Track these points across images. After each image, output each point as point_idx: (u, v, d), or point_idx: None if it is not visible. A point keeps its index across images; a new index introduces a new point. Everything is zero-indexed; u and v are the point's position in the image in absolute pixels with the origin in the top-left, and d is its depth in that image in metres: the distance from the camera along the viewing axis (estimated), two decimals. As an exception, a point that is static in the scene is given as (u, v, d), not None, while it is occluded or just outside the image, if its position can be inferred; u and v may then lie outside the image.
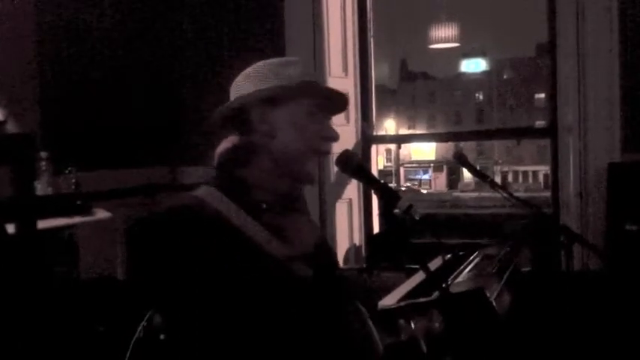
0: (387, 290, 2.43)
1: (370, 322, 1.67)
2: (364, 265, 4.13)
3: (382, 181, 1.58)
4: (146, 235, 1.50)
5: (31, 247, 2.18)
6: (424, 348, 1.62)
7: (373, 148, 4.48)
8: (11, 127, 1.29)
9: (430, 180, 46.52)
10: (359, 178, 1.66)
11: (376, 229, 4.41)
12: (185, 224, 1.47)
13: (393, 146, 40.44)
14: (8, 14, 3.25)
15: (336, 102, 1.68)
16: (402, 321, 1.67)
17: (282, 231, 1.55)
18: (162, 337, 1.70)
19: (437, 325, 1.69)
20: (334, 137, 1.61)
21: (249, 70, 1.63)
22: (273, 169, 1.57)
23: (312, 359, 1.49)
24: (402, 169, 45.81)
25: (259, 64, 1.62)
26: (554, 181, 3.92)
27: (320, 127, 1.59)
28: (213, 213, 1.48)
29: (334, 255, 1.82)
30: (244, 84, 1.60)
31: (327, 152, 1.62)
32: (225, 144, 1.61)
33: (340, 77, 4.23)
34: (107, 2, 3.91)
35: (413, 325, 1.68)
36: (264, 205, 1.55)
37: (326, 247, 1.76)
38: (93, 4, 3.83)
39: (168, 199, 4.06)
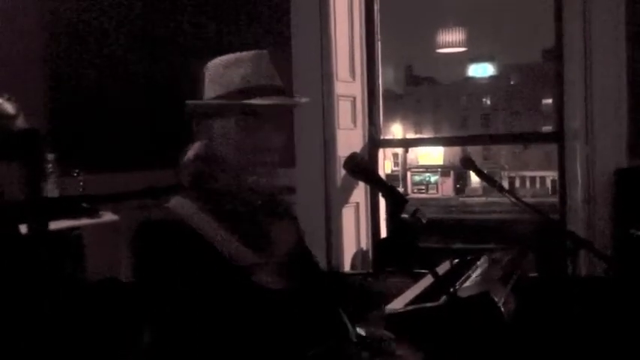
0: (394, 295, 2.42)
1: (356, 335, 1.63)
2: (371, 270, 4.12)
3: (389, 185, 1.58)
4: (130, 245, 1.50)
5: (44, 249, 2.19)
6: None
7: (380, 153, 4.48)
8: (21, 123, 1.29)
9: (437, 185, 46.40)
10: (366, 181, 1.65)
11: (384, 233, 4.40)
12: (155, 238, 1.46)
13: (400, 151, 40.40)
14: (17, 16, 3.27)
15: (270, 111, 1.56)
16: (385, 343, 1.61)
17: (256, 239, 1.53)
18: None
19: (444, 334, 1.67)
20: (272, 147, 1.55)
21: (210, 64, 1.60)
22: (230, 180, 1.53)
23: None
24: (409, 174, 45.70)
25: (215, 62, 1.59)
26: (562, 187, 3.91)
27: (255, 139, 1.52)
28: (182, 225, 1.47)
29: (312, 261, 1.76)
30: (204, 85, 1.58)
31: (271, 163, 1.55)
32: (192, 151, 1.58)
33: (347, 81, 4.24)
34: (114, 4, 3.92)
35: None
36: (236, 215, 1.52)
37: (303, 253, 1.72)
38: (101, 7, 3.84)
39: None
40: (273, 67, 1.59)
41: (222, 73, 1.55)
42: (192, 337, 1.40)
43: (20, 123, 1.28)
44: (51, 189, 3.04)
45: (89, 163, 3.39)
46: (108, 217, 3.10)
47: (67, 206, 3.01)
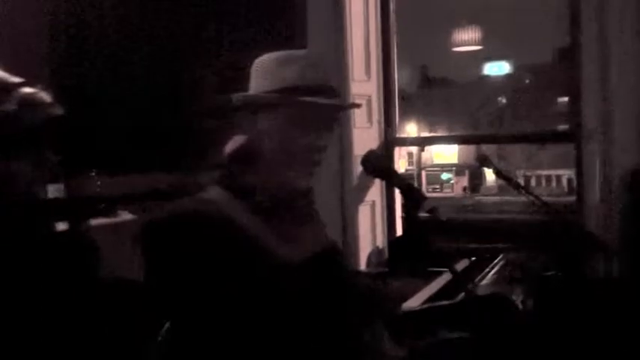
0: (408, 294, 2.43)
1: (383, 331, 1.64)
2: (386, 269, 4.12)
3: (407, 181, 1.57)
4: (156, 238, 1.49)
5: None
6: None
7: (395, 151, 4.47)
8: (58, 110, 1.30)
9: (452, 183, 46.22)
10: (384, 178, 1.65)
11: (399, 231, 4.40)
12: (195, 227, 1.46)
13: (414, 150, 40.18)
14: (21, 16, 3.28)
15: (326, 111, 1.57)
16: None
17: (288, 234, 1.53)
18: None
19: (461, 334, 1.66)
20: (320, 148, 1.55)
21: (256, 62, 1.59)
22: (269, 176, 1.54)
23: None
24: (423, 173, 45.56)
25: (264, 58, 1.58)
26: (579, 187, 3.88)
27: (305, 139, 1.53)
28: (223, 215, 1.47)
29: (344, 259, 1.78)
30: (252, 77, 1.58)
31: (316, 163, 1.56)
32: (232, 144, 1.59)
33: (363, 81, 4.23)
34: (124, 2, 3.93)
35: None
36: (271, 208, 1.52)
37: (333, 250, 1.72)
38: (109, 5, 3.85)
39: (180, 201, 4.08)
40: (326, 67, 1.60)
41: (274, 69, 1.54)
42: (224, 328, 1.41)
43: (58, 111, 1.28)
44: (57, 189, 3.04)
45: (105, 164, 3.41)
46: (124, 216, 3.11)
47: (83, 206, 3.03)
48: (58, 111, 1.25)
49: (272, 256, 1.49)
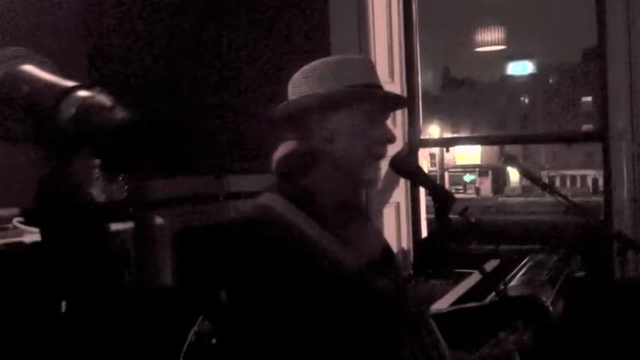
0: (435, 297, 2.42)
1: (435, 329, 1.63)
2: (411, 272, 4.11)
3: (437, 183, 1.57)
4: (216, 243, 1.49)
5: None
6: None
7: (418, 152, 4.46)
8: (120, 114, 1.29)
9: (475, 185, 45.97)
10: (414, 180, 1.65)
11: (424, 233, 4.39)
12: (258, 233, 1.45)
13: (437, 151, 40.06)
14: (60, 32, 3.33)
15: (395, 103, 1.69)
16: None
17: (348, 238, 1.51)
18: (213, 341, 1.72)
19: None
20: (392, 140, 1.58)
21: (307, 68, 1.60)
22: (334, 175, 1.53)
23: None
24: (446, 174, 45.38)
25: (318, 64, 1.60)
26: (607, 187, 3.85)
27: (380, 131, 1.56)
28: (283, 220, 1.46)
29: (399, 262, 1.79)
30: (303, 84, 1.57)
31: (384, 155, 1.59)
32: (284, 149, 1.58)
33: (387, 82, 4.23)
34: (156, 10, 3.96)
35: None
36: (329, 212, 1.51)
37: (390, 253, 1.72)
38: (141, 16, 3.89)
39: (218, 207, 4.12)
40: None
41: (335, 70, 1.56)
42: (293, 339, 1.38)
43: (119, 114, 1.28)
44: (98, 194, 3.09)
45: (132, 169, 3.43)
46: (154, 220, 3.14)
47: (112, 210, 3.06)
48: (119, 116, 1.25)
49: (334, 260, 1.46)
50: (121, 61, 3.82)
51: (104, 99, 1.26)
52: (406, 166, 1.59)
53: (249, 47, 4.36)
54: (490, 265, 2.72)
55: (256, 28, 4.37)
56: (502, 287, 1.76)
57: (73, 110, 1.21)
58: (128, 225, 3.07)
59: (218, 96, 4.37)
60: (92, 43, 3.66)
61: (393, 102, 1.67)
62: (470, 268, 2.54)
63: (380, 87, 1.61)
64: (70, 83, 1.26)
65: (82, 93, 1.27)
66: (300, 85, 1.58)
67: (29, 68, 1.27)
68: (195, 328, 1.99)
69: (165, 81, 4.04)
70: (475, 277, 2.60)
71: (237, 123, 4.30)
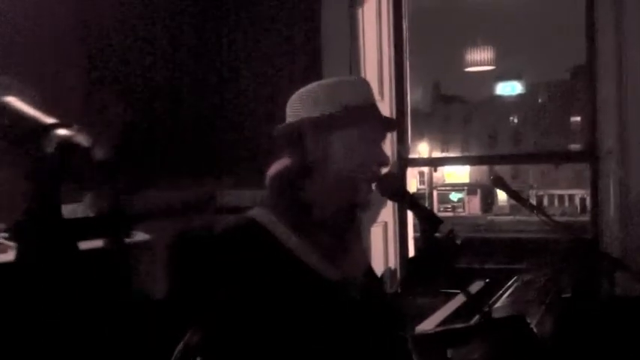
0: (422, 316, 2.41)
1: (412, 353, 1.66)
2: (399, 290, 4.09)
3: (423, 205, 1.58)
4: (197, 252, 1.53)
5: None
6: None
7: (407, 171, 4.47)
8: (98, 153, 1.29)
9: (464, 203, 46.15)
10: (400, 201, 1.65)
11: (412, 252, 4.38)
12: (237, 244, 1.49)
13: (426, 169, 40.25)
14: (58, 41, 3.31)
15: (388, 126, 1.72)
16: (450, 350, 1.66)
17: (335, 254, 1.55)
18: (199, 359, 1.71)
19: (476, 356, 1.67)
20: (386, 162, 1.62)
21: (303, 90, 1.63)
22: (326, 193, 1.57)
23: None
24: (435, 192, 45.54)
25: (314, 86, 1.62)
26: (594, 206, 3.85)
27: (373, 154, 1.60)
28: (264, 234, 1.50)
29: (381, 282, 1.82)
30: (299, 107, 1.61)
31: (378, 177, 1.62)
32: (277, 166, 1.61)
33: (377, 101, 4.22)
34: (149, 23, 3.95)
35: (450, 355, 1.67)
36: (318, 228, 1.55)
37: (373, 273, 1.77)
38: (138, 26, 3.87)
39: (211, 220, 4.10)
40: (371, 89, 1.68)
41: (331, 92, 1.59)
42: (267, 346, 1.41)
43: (97, 154, 1.28)
44: (85, 209, 3.05)
45: (122, 182, 3.40)
46: (140, 236, 3.11)
47: (101, 225, 3.03)
48: (98, 155, 1.25)
49: (316, 277, 1.50)
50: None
51: (82, 139, 1.27)
52: (392, 189, 1.59)
53: (249, 47, 4.33)
54: (477, 286, 2.71)
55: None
56: (487, 309, 1.75)
57: (52, 149, 1.22)
58: (115, 239, 3.04)
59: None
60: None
61: (386, 124, 1.70)
62: (457, 288, 2.53)
63: (375, 107, 1.64)
64: (49, 120, 1.27)
65: (62, 132, 1.27)
66: (296, 107, 1.61)
67: (11, 100, 1.28)
68: (182, 344, 1.97)
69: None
70: (462, 298, 2.59)
71: (234, 137, 4.28)
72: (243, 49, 4.37)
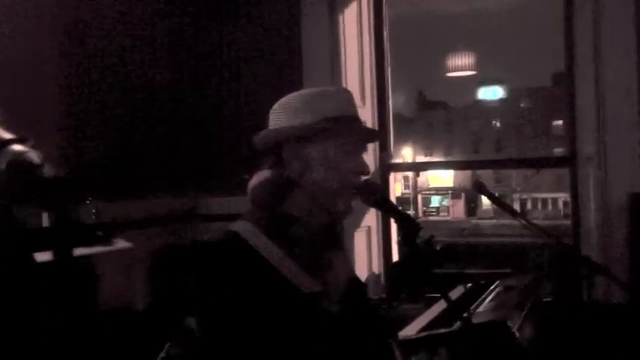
0: (407, 321, 2.42)
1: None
2: (383, 296, 4.10)
3: (403, 212, 1.59)
4: (181, 264, 1.54)
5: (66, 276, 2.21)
6: None
7: (391, 175, 4.48)
8: (47, 171, 1.30)
9: (448, 207, 46.33)
10: (380, 209, 1.66)
11: (395, 257, 4.39)
12: (221, 261, 1.49)
13: (410, 173, 40.36)
14: (29, 42, 3.29)
15: (368, 137, 1.73)
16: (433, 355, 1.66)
17: (317, 267, 1.56)
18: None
19: None
20: (366, 172, 1.61)
21: (284, 100, 1.62)
22: (306, 205, 1.57)
23: None
24: (419, 197, 45.67)
25: (294, 96, 1.62)
26: (575, 211, 3.89)
27: (353, 163, 1.59)
28: (247, 249, 1.50)
29: (366, 292, 1.82)
30: (280, 116, 1.60)
31: (360, 185, 1.61)
32: (258, 178, 1.60)
33: (358, 107, 4.22)
34: (129, 28, 3.94)
35: None
36: (300, 240, 1.55)
37: (358, 283, 1.75)
38: (115, 31, 3.86)
39: (193, 229, 4.08)
40: (353, 100, 1.67)
41: (311, 102, 1.58)
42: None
43: (46, 171, 1.29)
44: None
45: (102, 191, 3.39)
46: (121, 244, 3.10)
47: (80, 234, 3.01)
48: (47, 173, 1.26)
49: (297, 290, 1.50)
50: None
51: (34, 156, 1.27)
52: (372, 196, 1.60)
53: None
54: (459, 291, 2.72)
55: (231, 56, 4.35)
56: (467, 314, 1.76)
57: (4, 166, 1.23)
58: (96, 249, 3.03)
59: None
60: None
61: (366, 135, 1.71)
62: (438, 293, 2.54)
63: (355, 118, 1.63)
64: (5, 135, 1.27)
65: (15, 148, 1.27)
66: (277, 116, 1.61)
67: None
68: (163, 354, 1.96)
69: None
70: (445, 303, 2.60)
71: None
72: (223, 62, 4.37)
